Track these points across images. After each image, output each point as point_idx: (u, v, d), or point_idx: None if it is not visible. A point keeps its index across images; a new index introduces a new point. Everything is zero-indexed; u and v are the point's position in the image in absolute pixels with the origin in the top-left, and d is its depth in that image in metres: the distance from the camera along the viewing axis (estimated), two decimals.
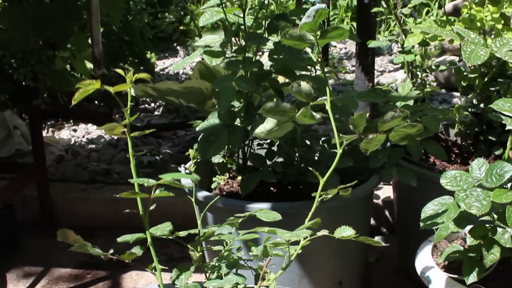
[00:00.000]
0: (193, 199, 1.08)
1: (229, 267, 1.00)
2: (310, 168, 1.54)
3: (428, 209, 1.18)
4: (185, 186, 0.94)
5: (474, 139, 1.95)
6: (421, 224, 1.18)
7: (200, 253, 1.00)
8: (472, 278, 1.18)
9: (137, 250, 1.00)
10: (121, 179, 2.62)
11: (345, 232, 0.91)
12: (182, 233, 1.02)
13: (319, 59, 1.08)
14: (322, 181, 0.95)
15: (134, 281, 2.03)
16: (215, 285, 0.96)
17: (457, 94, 3.75)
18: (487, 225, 1.21)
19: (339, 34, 0.95)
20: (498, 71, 1.78)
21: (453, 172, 1.21)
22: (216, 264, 1.01)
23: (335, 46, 5.05)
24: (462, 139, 1.98)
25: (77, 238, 1.02)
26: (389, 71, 4.58)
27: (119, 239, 1.05)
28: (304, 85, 0.93)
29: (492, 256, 1.17)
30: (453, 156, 1.94)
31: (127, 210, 1.00)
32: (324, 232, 0.88)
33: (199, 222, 1.03)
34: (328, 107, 0.95)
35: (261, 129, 1.01)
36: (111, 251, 1.04)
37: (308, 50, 1.11)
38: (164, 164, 2.75)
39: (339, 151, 0.95)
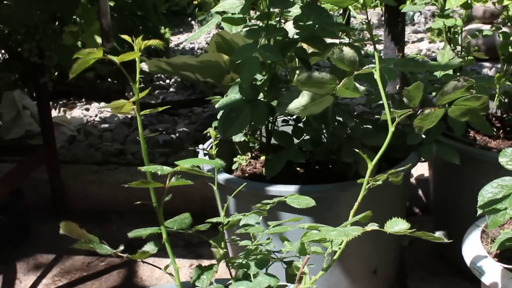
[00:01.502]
0: (215, 187, 0.93)
1: (258, 265, 0.85)
2: (343, 147, 1.40)
3: (487, 192, 1.02)
4: (206, 174, 0.79)
5: None
6: (479, 210, 1.02)
7: (224, 249, 0.86)
8: None
9: (150, 247, 0.86)
10: (136, 160, 2.49)
11: (398, 225, 0.76)
12: (203, 227, 0.88)
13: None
14: (370, 166, 0.80)
15: (151, 269, 1.90)
16: None
17: (487, 64, 3.57)
18: None
19: None
20: None
21: None
22: (244, 262, 0.86)
23: (354, 17, 4.86)
24: (503, 112, 1.81)
25: (82, 232, 0.88)
26: (413, 42, 4.38)
27: (130, 234, 0.90)
28: (348, 51, 0.78)
29: None
30: (495, 130, 1.78)
31: (138, 202, 0.85)
32: (373, 226, 0.73)
33: (222, 213, 0.88)
34: (377, 76, 0.80)
35: (295, 104, 0.86)
36: (121, 247, 0.90)
37: None
38: (181, 143, 2.61)
39: (391, 128, 0.79)
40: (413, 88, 0.74)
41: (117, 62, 0.74)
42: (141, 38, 0.76)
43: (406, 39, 4.38)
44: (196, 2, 5.00)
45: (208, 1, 4.67)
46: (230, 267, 0.91)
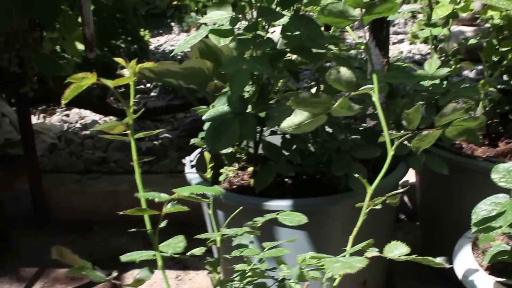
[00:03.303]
0: (210, 211, 0.91)
1: None
2: (333, 160, 1.39)
3: (481, 210, 1.02)
4: (205, 200, 0.77)
5: (501, 118, 1.79)
6: (473, 228, 1.02)
7: (220, 274, 0.84)
8: None
9: (145, 274, 0.83)
10: (119, 168, 2.45)
11: (397, 250, 0.75)
12: (198, 251, 0.86)
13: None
14: (370, 191, 0.78)
15: None
16: None
17: (466, 67, 3.58)
18: None
19: (388, 9, 0.78)
20: None
21: (506, 165, 1.04)
22: (240, 287, 0.85)
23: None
24: (489, 118, 1.81)
25: (74, 258, 0.85)
26: (393, 43, 4.39)
27: (123, 258, 0.88)
28: (345, 72, 0.76)
29: None
30: (480, 137, 1.78)
31: (134, 230, 0.83)
32: (374, 252, 0.72)
33: (218, 238, 0.86)
34: (375, 98, 0.79)
35: (288, 123, 0.84)
36: (115, 273, 0.87)
37: None
38: (164, 150, 2.58)
39: (390, 152, 0.78)
40: (413, 111, 0.73)
41: (111, 86, 0.71)
42: (135, 61, 0.74)
43: None
44: (175, 2, 4.96)
45: (188, 4, 4.63)
46: None
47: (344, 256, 0.72)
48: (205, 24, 1.40)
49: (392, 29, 4.76)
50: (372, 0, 0.78)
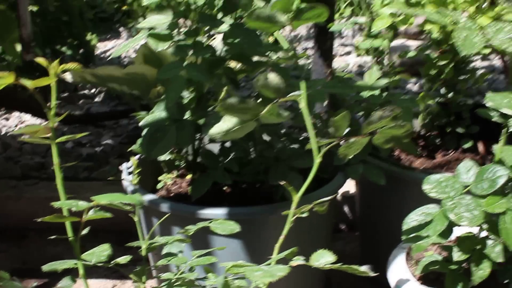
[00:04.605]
0: (135, 218, 0.89)
1: None
2: (270, 169, 1.39)
3: (411, 220, 1.03)
4: (125, 208, 0.75)
5: (440, 131, 1.83)
6: (403, 237, 1.03)
7: (145, 284, 0.82)
8: None
9: (66, 283, 0.81)
10: None
11: (323, 258, 0.74)
12: (123, 259, 0.84)
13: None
14: (296, 198, 0.78)
15: None
16: None
17: (412, 79, 3.65)
18: (475, 234, 1.07)
19: (317, 15, 0.78)
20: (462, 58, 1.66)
21: (437, 176, 1.06)
22: None
23: (283, 29, 4.88)
24: (427, 131, 1.85)
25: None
26: (341, 55, 4.43)
27: (45, 268, 0.85)
28: (273, 78, 0.76)
29: (482, 272, 1.03)
30: (419, 149, 1.81)
31: (53, 237, 0.80)
32: (299, 261, 0.71)
33: (143, 245, 0.84)
34: (303, 105, 0.78)
35: (217, 129, 0.83)
36: (35, 284, 0.84)
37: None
38: (105, 157, 2.53)
39: (316, 159, 0.78)
40: (340, 118, 0.73)
41: (30, 88, 0.69)
42: (57, 61, 0.71)
43: (334, 53, 4.45)
44: (124, 8, 4.90)
45: (136, 9, 4.58)
46: None
47: (268, 264, 0.71)
48: (149, 28, 1.38)
49: (340, 41, 4.81)
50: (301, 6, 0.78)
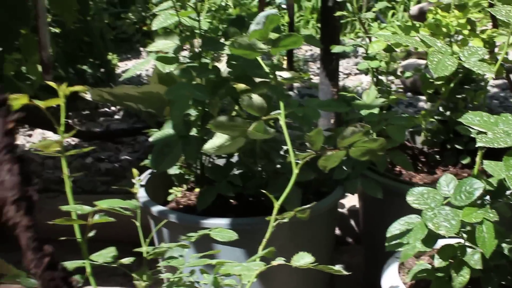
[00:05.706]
0: (137, 223, 0.99)
1: None
2: (269, 182, 1.47)
3: (394, 229, 1.11)
4: (125, 213, 0.85)
5: (441, 147, 1.89)
6: (386, 244, 1.11)
7: (147, 282, 0.91)
8: None
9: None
10: (78, 188, 2.50)
11: (303, 259, 0.83)
12: (126, 260, 0.93)
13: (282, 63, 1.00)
14: (276, 205, 0.87)
15: None
16: None
17: (424, 97, 3.72)
18: (456, 244, 1.14)
19: (293, 42, 0.87)
20: (464, 77, 1.72)
21: (420, 189, 1.13)
22: None
23: (300, 48, 4.98)
24: (429, 147, 1.92)
25: (8, 267, 0.92)
26: (355, 74, 4.52)
27: None
28: (256, 98, 0.85)
29: (461, 279, 1.10)
30: (420, 165, 1.88)
31: (63, 238, 0.90)
32: (279, 261, 0.80)
33: (144, 245, 0.94)
34: (282, 122, 0.87)
35: (210, 144, 0.93)
36: None
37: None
38: (123, 172, 2.64)
39: (295, 171, 0.86)
40: (314, 133, 0.82)
41: (42, 107, 0.79)
42: (66, 84, 0.81)
43: (349, 71, 4.53)
44: (144, 29, 5.05)
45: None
46: None
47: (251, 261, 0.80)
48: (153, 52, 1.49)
49: (355, 60, 4.91)
50: (281, 33, 0.87)
